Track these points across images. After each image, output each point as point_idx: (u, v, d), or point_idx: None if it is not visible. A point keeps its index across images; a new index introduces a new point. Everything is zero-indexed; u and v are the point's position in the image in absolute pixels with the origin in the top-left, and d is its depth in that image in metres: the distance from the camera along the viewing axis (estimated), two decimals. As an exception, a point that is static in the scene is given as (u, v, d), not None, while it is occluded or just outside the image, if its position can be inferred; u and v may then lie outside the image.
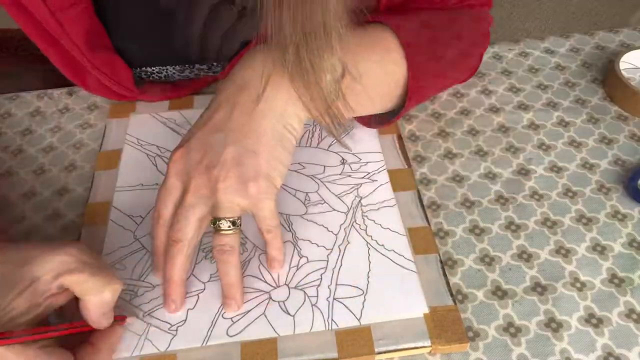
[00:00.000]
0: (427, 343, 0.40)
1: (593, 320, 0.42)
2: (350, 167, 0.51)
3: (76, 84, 0.57)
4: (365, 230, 0.46)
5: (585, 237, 0.47)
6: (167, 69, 0.57)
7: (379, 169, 0.51)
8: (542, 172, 0.51)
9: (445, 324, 0.41)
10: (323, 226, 0.47)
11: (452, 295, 0.42)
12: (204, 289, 0.43)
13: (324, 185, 0.50)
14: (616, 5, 1.78)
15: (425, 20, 0.50)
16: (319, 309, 0.42)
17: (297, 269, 0.44)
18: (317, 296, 0.42)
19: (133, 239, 0.47)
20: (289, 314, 0.42)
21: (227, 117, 0.41)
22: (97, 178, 0.51)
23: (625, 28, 0.65)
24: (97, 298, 0.37)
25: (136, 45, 0.54)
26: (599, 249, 0.46)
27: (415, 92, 0.48)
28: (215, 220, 0.40)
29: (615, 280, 0.44)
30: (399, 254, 0.45)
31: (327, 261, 0.45)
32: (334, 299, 0.42)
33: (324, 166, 0.51)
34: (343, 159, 0.52)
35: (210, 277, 0.44)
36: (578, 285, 0.44)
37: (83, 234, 0.47)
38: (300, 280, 0.44)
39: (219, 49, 0.55)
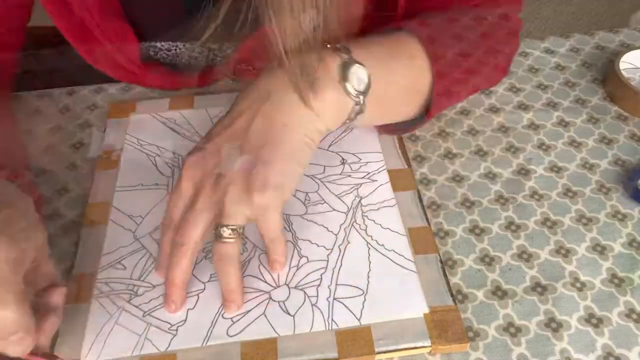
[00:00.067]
0: (427, 343, 0.40)
1: (593, 320, 0.42)
2: (350, 167, 0.51)
3: (82, 55, 0.56)
4: (365, 230, 0.46)
5: (585, 237, 0.47)
6: (177, 46, 0.56)
7: (379, 169, 0.51)
8: (542, 172, 0.51)
9: (445, 324, 0.41)
10: (323, 226, 0.47)
11: (452, 295, 0.42)
12: (204, 289, 0.43)
13: (324, 185, 0.50)
14: (616, 5, 1.78)
15: (449, 25, 0.49)
16: (319, 309, 0.42)
17: (297, 269, 0.44)
18: (317, 296, 0.42)
19: (133, 239, 0.47)
20: (289, 314, 0.42)
21: (247, 125, 0.41)
22: (97, 178, 0.51)
23: (625, 28, 0.65)
24: None
25: (150, 15, 0.54)
26: (599, 249, 0.46)
27: (440, 98, 0.47)
28: (217, 227, 0.40)
29: (615, 280, 0.44)
30: (399, 254, 0.45)
31: (327, 261, 0.45)
32: (334, 299, 0.42)
33: (324, 166, 0.51)
34: (343, 159, 0.52)
35: (210, 277, 0.44)
36: (578, 285, 0.44)
37: (83, 234, 0.47)
38: (300, 280, 0.44)
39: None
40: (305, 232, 0.46)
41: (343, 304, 0.42)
